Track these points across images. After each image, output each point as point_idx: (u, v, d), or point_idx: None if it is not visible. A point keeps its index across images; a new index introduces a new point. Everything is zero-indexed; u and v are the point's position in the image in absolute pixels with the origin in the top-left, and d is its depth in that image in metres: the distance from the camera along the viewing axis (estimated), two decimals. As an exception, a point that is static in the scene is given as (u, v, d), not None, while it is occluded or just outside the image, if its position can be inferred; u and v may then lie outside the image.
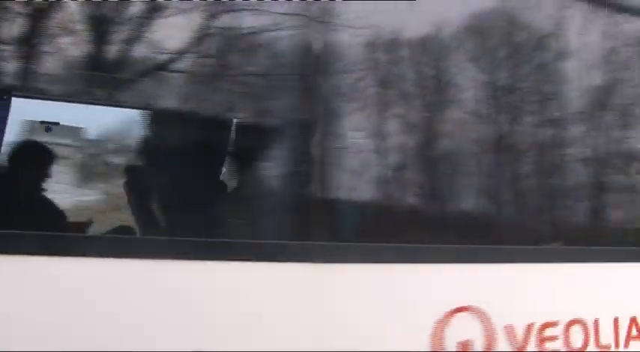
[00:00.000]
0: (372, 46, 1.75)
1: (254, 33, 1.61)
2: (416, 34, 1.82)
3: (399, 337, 1.49)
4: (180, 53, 1.58)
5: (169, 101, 1.78)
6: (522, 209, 2.11)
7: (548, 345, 1.71)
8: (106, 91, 1.66)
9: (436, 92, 1.91)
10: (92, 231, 2.16)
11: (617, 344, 1.85)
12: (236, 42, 1.65)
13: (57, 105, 1.92)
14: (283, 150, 1.63)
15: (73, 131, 2.50)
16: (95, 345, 1.14)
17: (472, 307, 1.59)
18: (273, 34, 1.59)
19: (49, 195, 2.13)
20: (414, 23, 1.75)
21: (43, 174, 2.14)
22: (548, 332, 1.71)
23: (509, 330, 1.64)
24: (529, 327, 1.68)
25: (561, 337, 1.74)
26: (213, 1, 1.61)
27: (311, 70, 1.58)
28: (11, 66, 1.45)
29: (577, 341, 1.77)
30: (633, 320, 1.90)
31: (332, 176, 1.59)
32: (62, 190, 2.27)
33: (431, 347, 1.51)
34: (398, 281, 1.52)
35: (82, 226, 2.15)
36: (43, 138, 2.26)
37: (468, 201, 1.99)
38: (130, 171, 2.22)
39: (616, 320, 1.86)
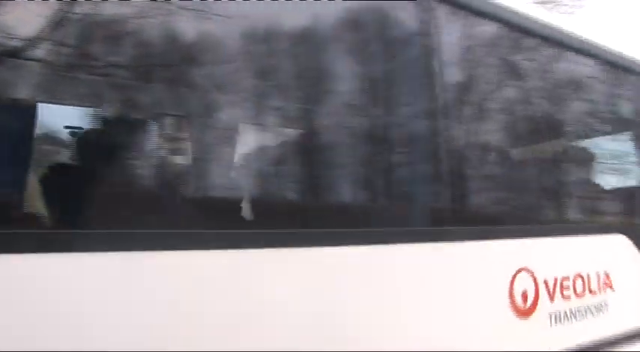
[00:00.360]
0: (246, 37, 1.73)
1: (119, 20, 1.54)
2: (289, 27, 1.81)
3: (489, 292, 2.18)
4: (35, 40, 1.42)
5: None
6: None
7: (565, 293, 2.51)
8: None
9: (311, 85, 1.89)
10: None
11: (599, 289, 2.70)
12: (99, 30, 1.53)
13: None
14: (152, 144, 1.65)
15: None
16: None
17: (526, 267, 2.33)
18: (140, 22, 1.53)
19: None
20: (286, 15, 1.76)
21: None
22: (565, 283, 2.51)
23: (546, 283, 2.41)
24: (555, 280, 2.46)
25: (571, 286, 2.55)
26: None
27: (183, 61, 1.58)
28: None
29: (579, 288, 2.59)
30: (606, 273, 2.77)
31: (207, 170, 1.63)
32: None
33: (509, 295, 2.23)
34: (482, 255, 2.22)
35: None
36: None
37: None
38: None
39: (598, 274, 2.71)
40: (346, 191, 2.06)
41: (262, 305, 1.52)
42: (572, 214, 3.04)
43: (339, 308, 1.70)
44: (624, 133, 3.39)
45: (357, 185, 2.10)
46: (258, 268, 1.52)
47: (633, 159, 3.30)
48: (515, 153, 3.03)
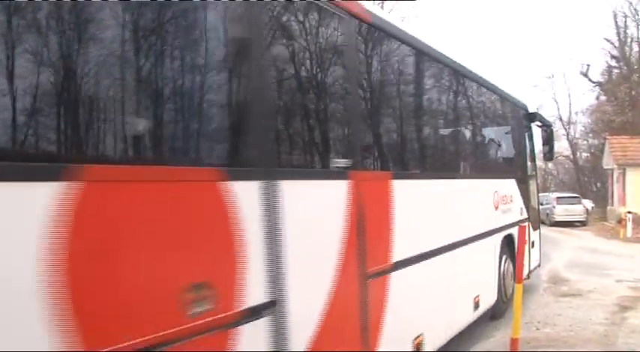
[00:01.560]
0: None
1: None
2: None
3: (488, 198, 5.50)
4: None
5: None
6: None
7: (503, 201, 5.96)
8: None
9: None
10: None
11: (510, 202, 6.23)
12: None
13: None
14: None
15: None
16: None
17: (479, 187, 5.68)
18: None
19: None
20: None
21: None
22: (503, 197, 5.97)
23: (500, 196, 5.82)
24: (502, 195, 5.89)
25: (505, 199, 6.01)
26: None
27: None
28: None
29: (506, 200, 6.07)
30: (511, 195, 6.31)
31: None
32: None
33: (493, 200, 5.56)
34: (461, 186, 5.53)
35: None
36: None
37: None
38: None
39: (510, 195, 6.24)
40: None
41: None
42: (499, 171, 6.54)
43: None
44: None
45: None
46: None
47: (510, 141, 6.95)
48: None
